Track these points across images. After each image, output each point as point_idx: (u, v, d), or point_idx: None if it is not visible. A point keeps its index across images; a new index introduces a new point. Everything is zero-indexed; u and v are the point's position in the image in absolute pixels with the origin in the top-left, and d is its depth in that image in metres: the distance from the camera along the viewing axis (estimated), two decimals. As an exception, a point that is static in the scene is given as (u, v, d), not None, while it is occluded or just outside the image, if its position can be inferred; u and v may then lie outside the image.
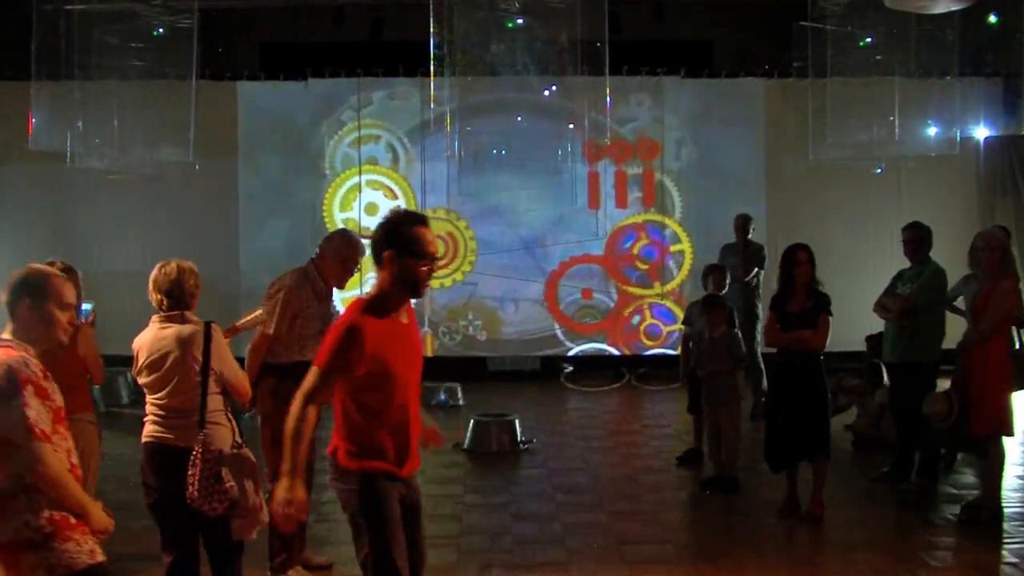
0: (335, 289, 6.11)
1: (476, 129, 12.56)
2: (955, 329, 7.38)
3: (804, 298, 6.86)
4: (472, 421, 9.37)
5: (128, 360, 4.91)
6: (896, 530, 6.61)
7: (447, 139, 12.23)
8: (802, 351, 6.83)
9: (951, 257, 8.04)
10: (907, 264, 7.75)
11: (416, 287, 4.02)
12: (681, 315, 10.87)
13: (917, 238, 7.66)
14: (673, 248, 13.59)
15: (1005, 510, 6.80)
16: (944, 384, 7.17)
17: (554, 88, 12.82)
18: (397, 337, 3.99)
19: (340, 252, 5.92)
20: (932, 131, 11.39)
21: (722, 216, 11.75)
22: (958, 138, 11.25)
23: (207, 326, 4.74)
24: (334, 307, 6.29)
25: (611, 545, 6.35)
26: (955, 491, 7.47)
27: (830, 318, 6.82)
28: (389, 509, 3.94)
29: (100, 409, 10.82)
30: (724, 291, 8.67)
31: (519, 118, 13.32)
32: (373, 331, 3.86)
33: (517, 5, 10.74)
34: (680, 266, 13.50)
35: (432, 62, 10.45)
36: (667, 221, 13.59)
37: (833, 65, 10.79)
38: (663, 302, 13.54)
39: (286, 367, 5.61)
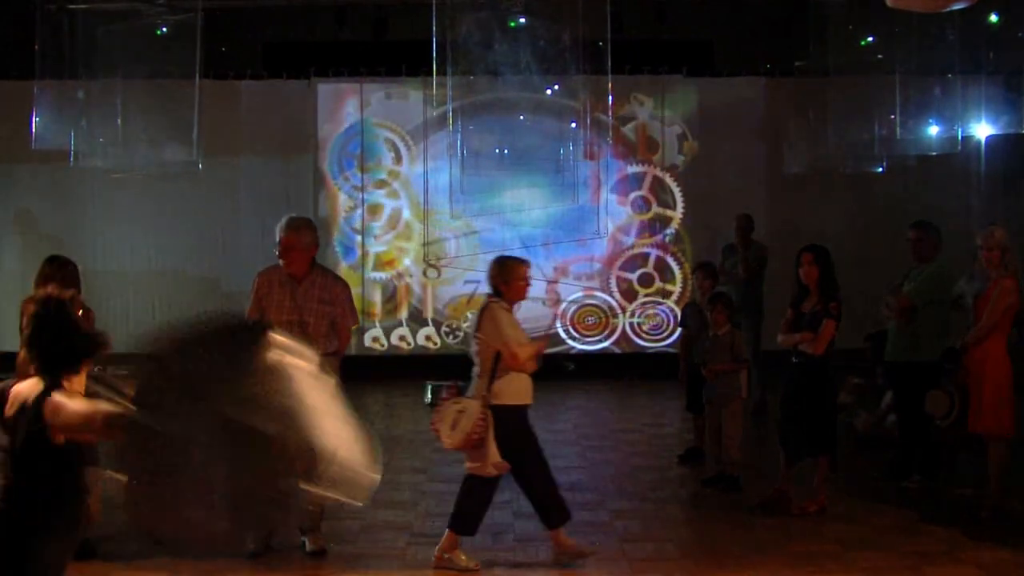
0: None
1: (478, 128, 12.58)
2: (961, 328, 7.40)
3: (816, 299, 6.92)
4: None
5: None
6: (896, 529, 6.62)
7: (449, 138, 12.25)
8: (804, 352, 6.91)
9: (952, 256, 8.06)
10: (909, 263, 7.78)
11: None
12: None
13: (919, 237, 7.69)
14: (674, 247, 13.60)
15: (1006, 509, 6.82)
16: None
17: (556, 87, 12.84)
18: None
19: (277, 238, 6.23)
20: (934, 130, 11.36)
21: (723, 215, 11.77)
22: (960, 137, 11.24)
23: None
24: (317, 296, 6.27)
25: (613, 543, 6.37)
26: (956, 490, 7.48)
27: (835, 324, 6.83)
28: None
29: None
30: (711, 291, 8.65)
31: (521, 117, 13.32)
32: None
33: (519, 5, 10.77)
34: (681, 265, 13.52)
35: (434, 61, 10.48)
36: (668, 219, 13.61)
37: (834, 64, 10.81)
38: (664, 301, 13.56)
39: None
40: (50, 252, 6.91)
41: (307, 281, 6.20)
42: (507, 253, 6.90)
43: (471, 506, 5.95)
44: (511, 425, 5.82)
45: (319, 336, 6.14)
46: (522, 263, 6.13)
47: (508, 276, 5.99)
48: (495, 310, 5.91)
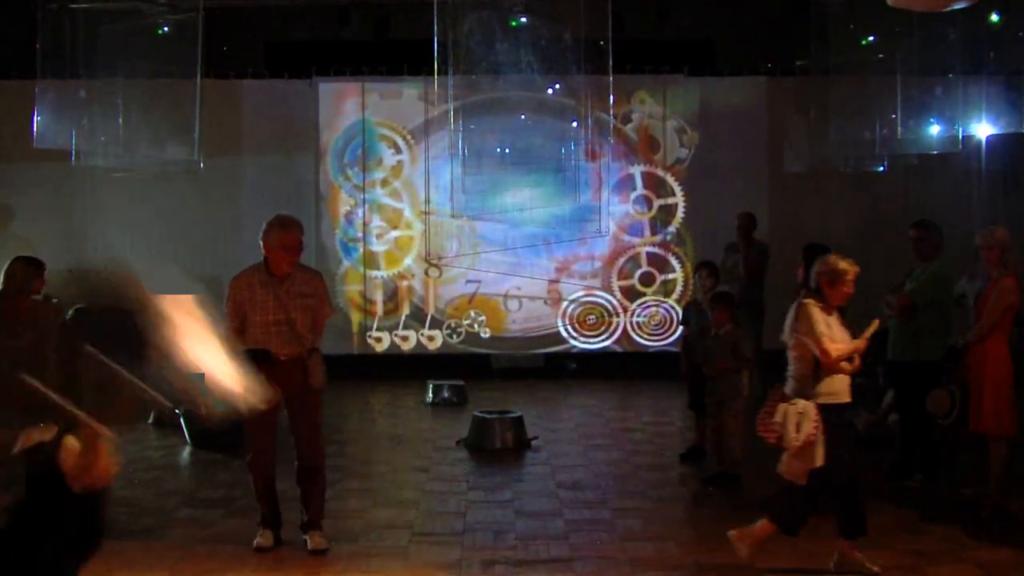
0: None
1: (480, 127, 12.59)
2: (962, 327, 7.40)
3: None
4: (474, 418, 9.40)
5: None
6: (896, 528, 6.62)
7: (451, 137, 12.27)
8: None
9: (952, 256, 8.07)
10: (910, 262, 7.79)
11: None
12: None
13: (921, 236, 7.69)
14: (675, 246, 13.61)
15: (1006, 508, 6.83)
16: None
17: (557, 86, 12.85)
18: None
19: (276, 237, 6.15)
20: (934, 129, 11.37)
21: (724, 214, 11.79)
22: (960, 136, 11.25)
23: None
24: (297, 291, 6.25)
25: (614, 542, 6.38)
26: (956, 489, 7.49)
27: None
28: None
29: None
30: (713, 290, 8.65)
31: (522, 116, 13.34)
32: None
33: (521, 4, 10.78)
34: (682, 264, 13.53)
35: (436, 61, 10.49)
36: (670, 218, 13.62)
37: (835, 63, 10.81)
38: (666, 300, 13.57)
39: (247, 354, 5.90)
40: (51, 252, 6.95)
41: (288, 279, 6.18)
42: (835, 252, 6.24)
43: (800, 507, 5.78)
44: (830, 423, 5.66)
45: (305, 331, 6.15)
46: (852, 267, 5.79)
47: (835, 279, 5.74)
48: (810, 308, 5.72)
